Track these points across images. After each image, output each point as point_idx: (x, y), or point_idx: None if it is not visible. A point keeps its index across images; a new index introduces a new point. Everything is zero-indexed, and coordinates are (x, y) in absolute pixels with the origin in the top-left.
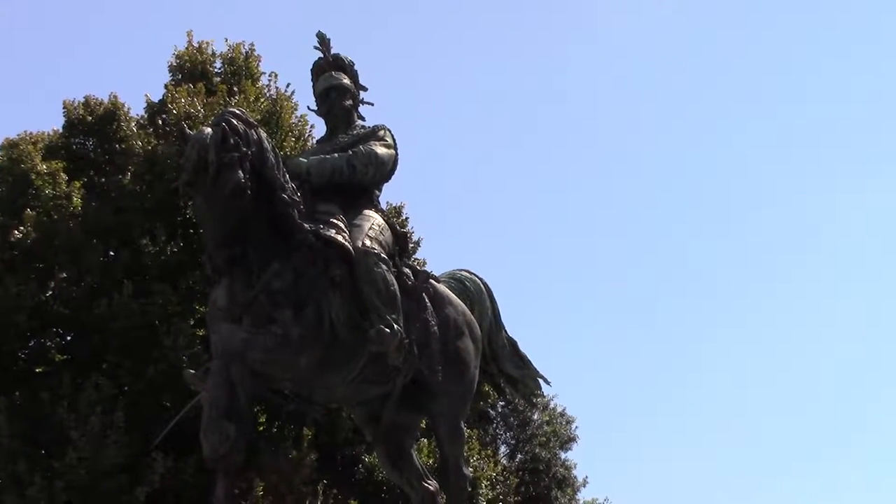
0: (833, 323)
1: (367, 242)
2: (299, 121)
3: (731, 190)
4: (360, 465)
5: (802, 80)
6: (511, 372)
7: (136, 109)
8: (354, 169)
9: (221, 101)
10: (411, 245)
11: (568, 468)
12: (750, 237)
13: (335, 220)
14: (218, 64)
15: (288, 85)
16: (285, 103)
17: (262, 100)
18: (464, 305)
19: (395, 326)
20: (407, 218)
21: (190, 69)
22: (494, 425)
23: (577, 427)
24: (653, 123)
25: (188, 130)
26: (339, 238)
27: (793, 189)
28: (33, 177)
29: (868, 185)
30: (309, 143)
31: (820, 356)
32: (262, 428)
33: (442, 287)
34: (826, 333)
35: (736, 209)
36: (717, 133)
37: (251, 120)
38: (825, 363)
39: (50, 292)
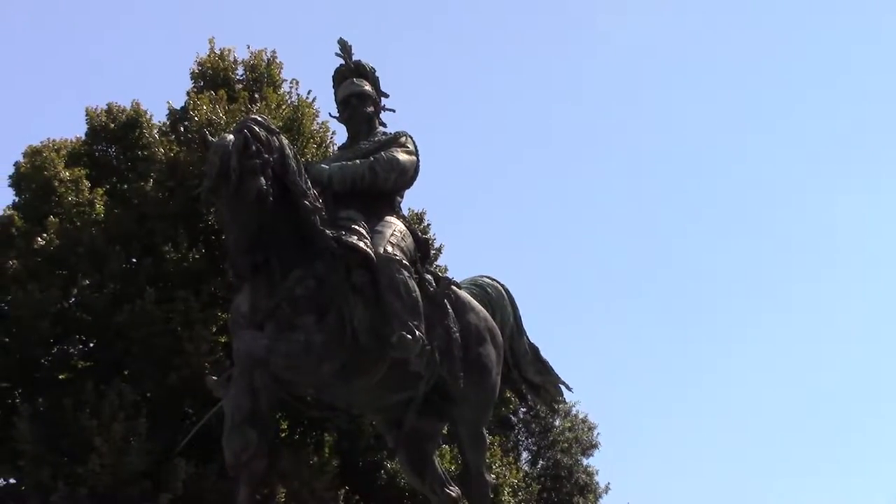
0: (858, 324)
1: (389, 249)
2: (321, 127)
3: (750, 194)
4: (382, 472)
5: (811, 80)
6: (533, 378)
7: (159, 116)
8: (376, 175)
9: (243, 108)
10: (433, 252)
11: (590, 474)
12: (769, 240)
13: (357, 227)
14: (240, 71)
15: (309, 92)
16: (307, 110)
17: (283, 106)
18: (485, 312)
19: (417, 333)
20: (429, 224)
21: (212, 76)
22: (516, 431)
23: (598, 433)
24: (674, 126)
25: (210, 137)
26: (361, 244)
27: (807, 191)
28: (56, 184)
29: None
30: (330, 150)
31: (848, 358)
32: (283, 434)
33: (463, 293)
34: (852, 335)
35: (754, 215)
36: (742, 135)
37: (273, 127)
38: (853, 365)
39: (73, 299)
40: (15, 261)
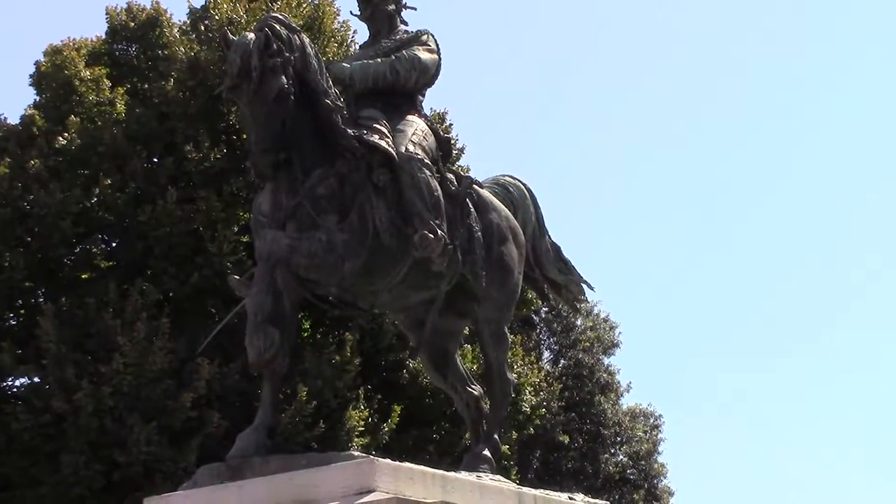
0: None
1: (411, 148)
2: (342, 26)
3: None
4: (405, 371)
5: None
6: (555, 277)
7: (179, 15)
8: (398, 74)
9: (264, 7)
10: (455, 152)
11: (611, 374)
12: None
13: (378, 126)
14: None
15: None
16: (328, 9)
17: (304, 5)
18: (507, 211)
19: (439, 232)
20: (451, 124)
21: None
22: (538, 331)
23: (620, 333)
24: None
25: (231, 36)
26: (383, 143)
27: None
28: (77, 83)
29: None
30: (351, 49)
31: None
32: (306, 334)
33: (485, 192)
34: None
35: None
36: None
37: (294, 25)
38: None
39: (94, 198)
40: (36, 161)
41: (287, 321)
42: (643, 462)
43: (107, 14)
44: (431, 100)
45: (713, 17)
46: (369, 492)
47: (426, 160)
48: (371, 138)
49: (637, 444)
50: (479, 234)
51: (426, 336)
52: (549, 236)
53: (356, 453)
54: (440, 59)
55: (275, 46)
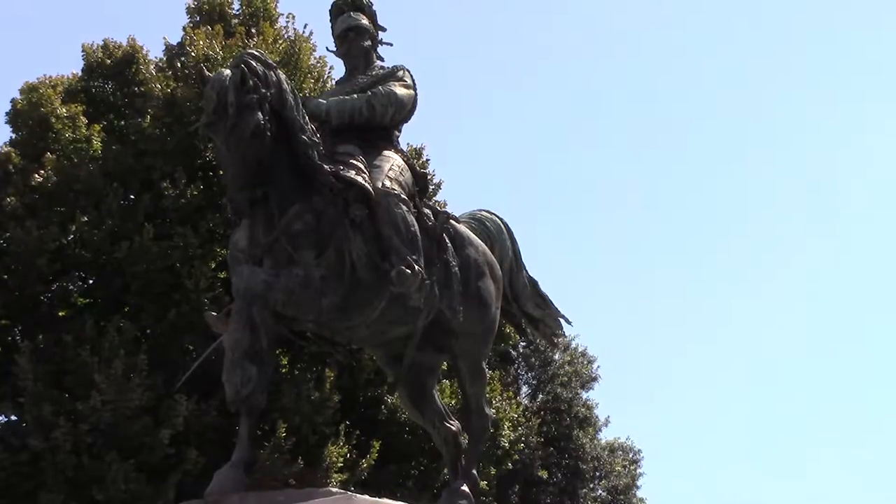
0: None
1: (387, 183)
2: (318, 62)
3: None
4: (383, 406)
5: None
6: (532, 312)
7: (155, 52)
8: (374, 110)
9: (240, 43)
10: (432, 187)
11: (590, 408)
12: (784, 167)
13: (355, 161)
14: (236, 6)
15: (306, 26)
16: (304, 44)
17: (280, 41)
18: (484, 245)
19: (416, 267)
20: (428, 160)
21: (208, 11)
22: (516, 366)
23: (598, 367)
24: (681, 60)
25: (207, 73)
26: (359, 179)
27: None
28: (53, 120)
29: None
30: (328, 85)
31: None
32: (284, 370)
33: (462, 227)
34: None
35: (769, 137)
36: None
37: (270, 61)
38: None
39: (71, 236)
40: (13, 198)
41: (264, 357)
42: (622, 497)
43: (83, 51)
44: (408, 135)
45: (699, 35)
46: None
47: (403, 195)
48: (347, 174)
49: (616, 479)
50: (457, 269)
51: (404, 371)
52: (526, 271)
53: (334, 489)
54: (416, 94)
55: (251, 83)
